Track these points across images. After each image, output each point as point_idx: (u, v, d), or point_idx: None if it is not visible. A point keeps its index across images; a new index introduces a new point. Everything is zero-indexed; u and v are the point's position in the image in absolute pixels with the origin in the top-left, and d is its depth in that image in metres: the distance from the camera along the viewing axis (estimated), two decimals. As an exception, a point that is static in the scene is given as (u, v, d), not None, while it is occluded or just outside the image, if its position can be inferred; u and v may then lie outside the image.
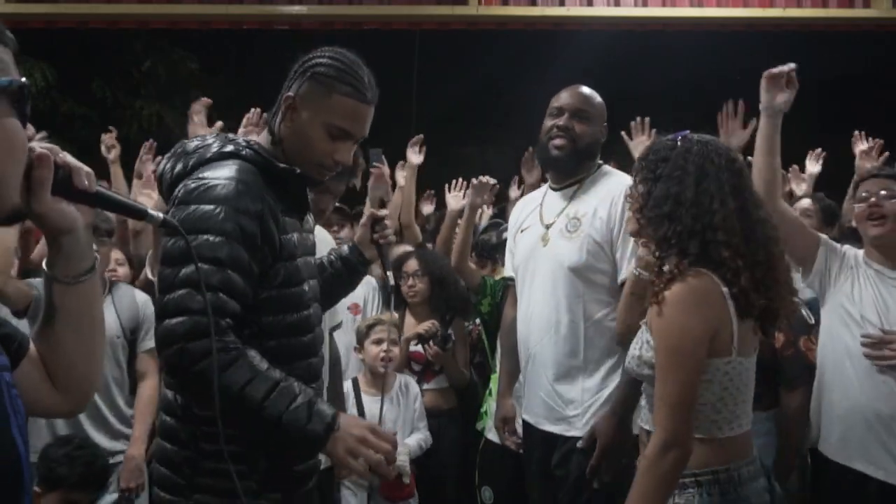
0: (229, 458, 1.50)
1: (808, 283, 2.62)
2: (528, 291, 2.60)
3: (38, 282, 3.00)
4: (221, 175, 1.62)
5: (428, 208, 5.17)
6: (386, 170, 2.80)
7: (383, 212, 2.10)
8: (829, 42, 7.72)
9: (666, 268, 1.83)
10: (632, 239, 2.31)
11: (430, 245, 4.38)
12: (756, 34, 6.57)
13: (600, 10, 5.97)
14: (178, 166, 1.71)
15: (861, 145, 4.08)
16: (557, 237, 2.53)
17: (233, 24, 6.28)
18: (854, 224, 3.15)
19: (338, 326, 2.90)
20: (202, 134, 2.88)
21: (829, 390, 2.56)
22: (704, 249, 1.79)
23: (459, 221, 3.65)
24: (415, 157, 4.32)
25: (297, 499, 1.77)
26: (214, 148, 1.70)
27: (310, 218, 1.92)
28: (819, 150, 4.44)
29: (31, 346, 1.17)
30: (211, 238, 1.55)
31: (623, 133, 3.59)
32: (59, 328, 1.15)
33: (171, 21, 6.21)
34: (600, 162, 2.65)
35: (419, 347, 3.44)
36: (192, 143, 1.76)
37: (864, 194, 2.57)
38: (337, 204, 3.28)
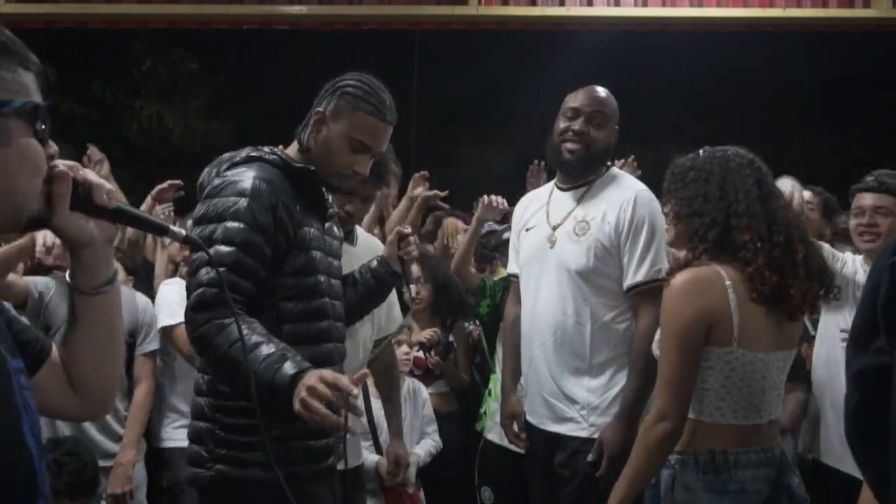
0: (245, 430, 1.77)
1: None
2: (534, 292, 2.60)
3: (42, 281, 3.00)
4: (243, 173, 1.86)
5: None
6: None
7: (408, 229, 2.27)
8: (829, 42, 7.73)
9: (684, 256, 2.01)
10: (640, 245, 2.42)
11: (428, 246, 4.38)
12: (756, 34, 6.57)
13: (600, 10, 5.97)
14: (213, 172, 1.96)
15: None
16: (565, 239, 2.53)
17: (233, 24, 6.28)
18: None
19: (397, 332, 2.93)
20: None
21: (824, 397, 2.57)
22: (726, 235, 1.93)
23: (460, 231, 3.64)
24: (417, 192, 4.26)
25: (315, 476, 1.92)
26: (243, 154, 1.95)
27: (336, 228, 2.14)
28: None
29: (54, 351, 1.25)
30: (229, 224, 1.79)
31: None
32: (79, 336, 1.22)
33: (171, 21, 6.20)
34: (608, 164, 2.65)
35: (420, 353, 3.44)
36: (227, 154, 2.00)
37: (857, 209, 2.58)
38: None
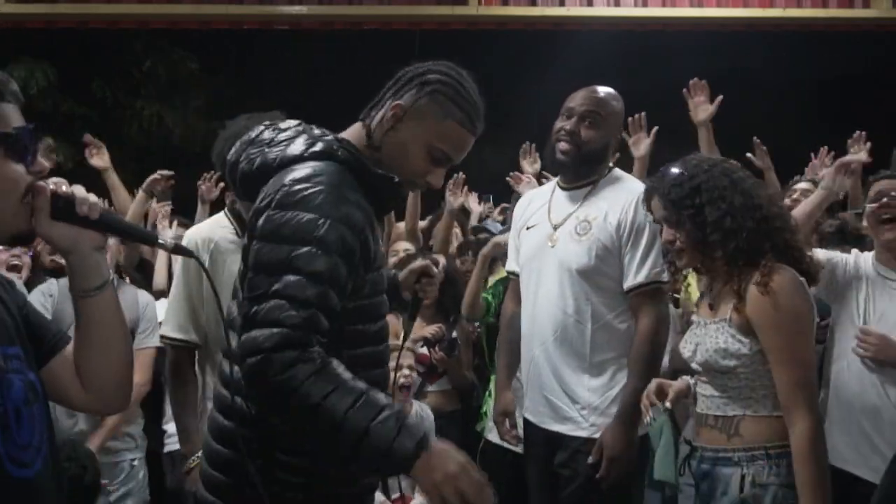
0: (302, 473, 1.52)
1: (818, 295, 2.66)
2: (534, 291, 2.60)
3: (45, 285, 3.04)
4: (319, 179, 1.49)
5: None
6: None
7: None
8: (829, 42, 7.73)
9: (751, 269, 1.99)
10: (641, 246, 2.43)
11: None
12: (756, 34, 6.58)
13: (600, 10, 5.97)
14: (259, 159, 1.59)
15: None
16: (566, 239, 2.52)
17: (233, 24, 6.28)
18: (831, 228, 3.17)
19: None
20: None
21: (833, 396, 2.56)
22: (773, 241, 1.98)
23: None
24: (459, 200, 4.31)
25: None
26: (301, 144, 1.58)
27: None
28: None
29: (70, 346, 1.35)
30: (312, 249, 1.43)
31: (684, 91, 3.56)
32: (81, 335, 1.32)
33: (171, 21, 6.21)
34: (611, 165, 2.64)
35: (425, 350, 3.43)
36: (270, 133, 1.64)
37: (875, 195, 2.56)
38: None
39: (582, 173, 2.57)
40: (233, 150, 1.67)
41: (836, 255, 2.65)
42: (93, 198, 1.27)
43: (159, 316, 3.14)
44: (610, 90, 2.60)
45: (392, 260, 3.71)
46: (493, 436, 3.24)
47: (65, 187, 1.26)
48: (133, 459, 3.08)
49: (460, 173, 4.06)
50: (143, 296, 3.20)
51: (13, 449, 1.16)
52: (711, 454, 2.03)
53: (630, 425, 2.37)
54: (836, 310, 2.61)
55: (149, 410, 3.23)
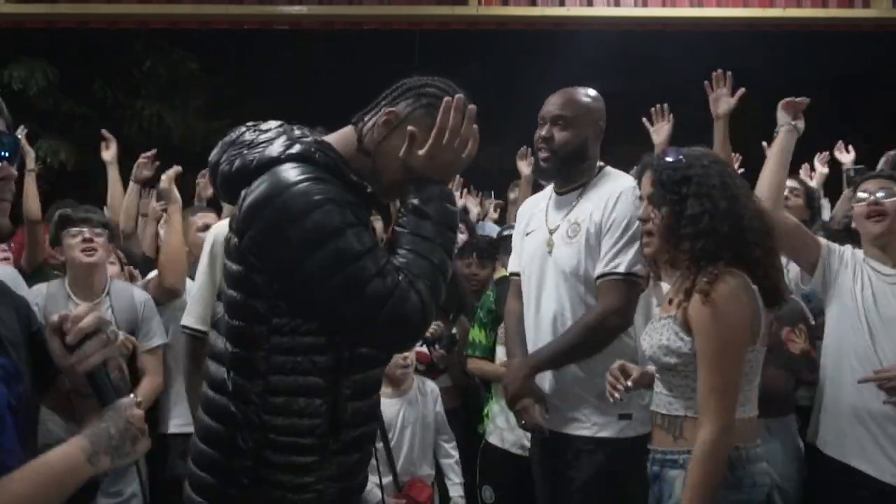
0: (293, 469, 1.55)
1: (813, 286, 2.67)
2: (535, 298, 2.62)
3: (34, 290, 3.02)
4: (297, 180, 1.49)
5: None
6: None
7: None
8: (829, 42, 7.73)
9: (709, 269, 1.98)
10: (617, 237, 2.42)
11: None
12: (756, 34, 6.58)
13: (600, 10, 5.97)
14: (238, 161, 1.60)
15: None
16: (560, 243, 2.54)
17: (233, 24, 6.28)
18: (839, 226, 3.19)
19: None
20: None
21: (829, 387, 2.58)
22: (739, 252, 1.98)
23: None
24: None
25: None
26: (279, 146, 1.57)
27: None
28: (826, 153, 4.49)
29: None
30: (334, 244, 1.47)
31: (644, 119, 3.64)
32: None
33: (171, 21, 6.21)
34: (601, 164, 2.64)
35: (424, 348, 3.43)
36: (251, 134, 1.65)
37: (862, 194, 2.59)
38: None
39: (567, 176, 2.57)
40: (214, 151, 1.68)
41: (833, 245, 2.67)
42: (96, 356, 1.25)
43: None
44: (583, 89, 2.58)
45: None
46: (493, 438, 3.25)
47: (84, 323, 1.25)
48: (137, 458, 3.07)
49: (457, 177, 4.08)
50: (139, 294, 3.17)
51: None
52: (660, 456, 2.04)
53: (530, 368, 2.49)
54: (832, 302, 2.61)
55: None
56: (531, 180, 4.57)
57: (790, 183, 3.64)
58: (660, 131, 3.69)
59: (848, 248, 2.65)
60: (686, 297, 1.98)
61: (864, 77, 11.10)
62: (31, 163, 3.80)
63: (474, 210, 5.12)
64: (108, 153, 4.32)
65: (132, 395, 1.30)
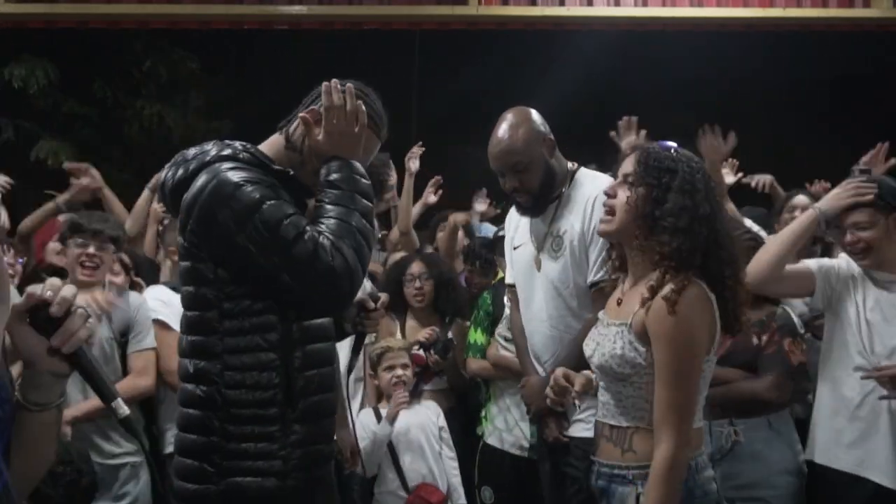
0: (259, 438, 1.73)
1: (814, 304, 2.69)
2: (528, 313, 2.66)
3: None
4: (225, 171, 1.74)
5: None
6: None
7: (376, 305, 2.14)
8: (829, 42, 7.72)
9: (671, 278, 1.89)
10: (601, 243, 2.37)
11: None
12: (756, 34, 6.57)
13: (600, 10, 5.96)
14: (179, 172, 1.82)
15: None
16: (546, 259, 2.57)
17: (233, 24, 6.27)
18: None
19: None
20: None
21: (828, 396, 2.58)
22: (706, 263, 1.89)
23: None
24: (413, 165, 4.33)
25: (320, 480, 1.89)
26: (213, 152, 1.82)
27: None
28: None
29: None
30: (258, 215, 1.69)
31: (612, 133, 3.55)
32: (14, 432, 1.20)
33: (171, 21, 6.20)
34: (572, 167, 2.61)
35: (420, 351, 3.44)
36: (191, 151, 1.87)
37: (835, 229, 2.59)
38: None
39: (549, 199, 2.57)
40: (163, 172, 1.92)
41: (825, 262, 2.68)
42: (81, 333, 1.17)
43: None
44: (508, 122, 2.51)
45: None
46: (493, 440, 3.26)
47: (66, 293, 1.15)
48: (134, 463, 3.05)
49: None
50: (135, 297, 3.15)
51: None
52: (607, 470, 1.96)
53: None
54: (834, 313, 2.62)
55: (146, 412, 3.22)
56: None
57: (801, 201, 3.62)
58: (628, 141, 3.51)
59: (843, 259, 2.65)
60: (641, 306, 1.88)
61: (864, 77, 11.10)
62: None
63: (479, 210, 5.12)
64: (90, 181, 3.93)
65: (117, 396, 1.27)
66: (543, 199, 2.54)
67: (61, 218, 3.72)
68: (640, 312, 1.89)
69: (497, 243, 3.90)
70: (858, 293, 2.54)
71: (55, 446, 1.29)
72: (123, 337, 3.03)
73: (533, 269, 2.60)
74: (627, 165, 1.99)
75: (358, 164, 1.83)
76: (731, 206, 3.66)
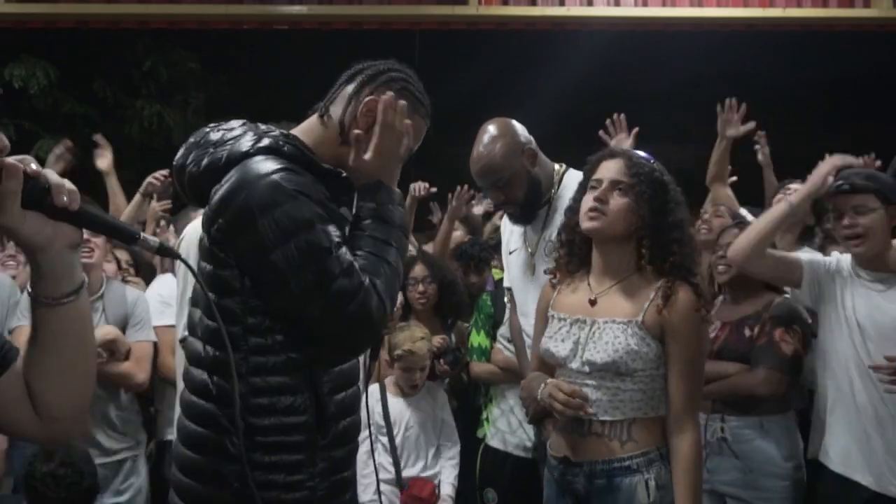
0: (288, 469, 1.54)
1: (801, 300, 2.68)
2: (525, 318, 2.66)
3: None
4: (273, 172, 1.49)
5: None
6: None
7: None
8: (829, 42, 7.72)
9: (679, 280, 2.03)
10: None
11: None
12: (756, 34, 6.57)
13: (600, 10, 5.96)
14: (207, 159, 1.60)
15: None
16: (540, 263, 2.57)
17: (233, 24, 6.27)
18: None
19: None
20: None
21: (827, 399, 2.57)
22: (684, 261, 2.03)
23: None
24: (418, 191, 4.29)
25: None
26: (248, 141, 1.58)
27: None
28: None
29: (20, 360, 1.11)
30: (306, 234, 1.48)
31: (601, 133, 3.53)
32: (40, 350, 1.09)
33: (171, 21, 6.20)
34: (559, 168, 2.60)
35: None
36: (216, 134, 1.65)
37: (835, 213, 2.58)
38: None
39: (538, 205, 2.57)
40: (179, 153, 1.68)
41: (816, 258, 2.67)
42: (69, 184, 1.04)
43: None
44: (486, 138, 2.49)
45: None
46: (495, 442, 3.26)
47: (34, 165, 1.02)
48: (135, 456, 3.06)
49: (465, 186, 4.04)
50: (132, 292, 3.14)
51: None
52: (604, 466, 1.97)
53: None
54: (824, 312, 2.61)
55: (143, 403, 3.22)
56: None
57: (797, 186, 3.63)
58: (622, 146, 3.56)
59: (835, 257, 2.64)
60: (665, 302, 1.98)
61: (864, 77, 11.10)
62: None
63: (478, 212, 5.11)
64: (104, 161, 4.09)
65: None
66: (531, 208, 2.55)
67: None
68: (650, 309, 1.98)
69: (494, 248, 3.90)
70: (847, 292, 2.53)
71: (93, 340, 1.17)
72: (123, 332, 3.01)
73: (527, 274, 2.61)
74: (612, 172, 2.05)
75: (397, 192, 1.67)
76: (727, 192, 3.68)
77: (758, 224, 2.63)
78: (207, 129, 1.68)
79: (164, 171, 3.97)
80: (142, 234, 1.13)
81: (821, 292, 2.60)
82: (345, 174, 1.62)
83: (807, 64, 9.95)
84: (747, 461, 2.68)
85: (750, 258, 2.56)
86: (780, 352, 2.69)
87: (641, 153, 2.13)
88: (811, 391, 2.80)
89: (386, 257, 1.57)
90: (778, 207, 2.61)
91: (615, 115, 3.51)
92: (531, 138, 2.53)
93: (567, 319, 2.09)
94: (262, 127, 1.66)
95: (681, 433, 1.95)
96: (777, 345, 2.70)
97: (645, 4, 5.95)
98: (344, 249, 1.52)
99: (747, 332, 2.77)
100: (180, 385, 1.71)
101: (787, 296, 2.84)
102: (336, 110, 1.66)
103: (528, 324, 2.65)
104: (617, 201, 2.02)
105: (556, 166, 2.60)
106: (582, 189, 2.12)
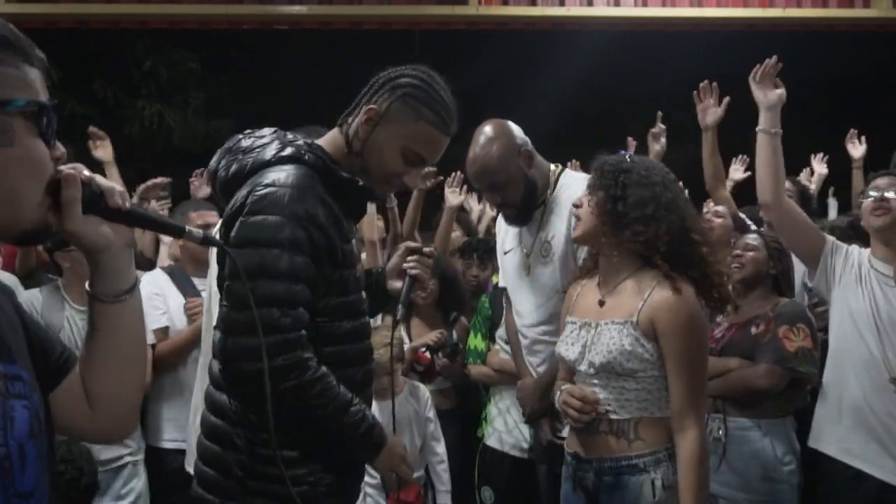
0: (285, 463, 1.56)
1: (815, 283, 2.68)
2: (520, 318, 2.68)
3: (26, 295, 2.97)
4: (279, 181, 1.58)
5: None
6: None
7: (423, 248, 2.07)
8: (829, 42, 7.72)
9: (663, 274, 1.99)
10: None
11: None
12: (756, 34, 6.57)
13: (600, 10, 5.97)
14: (235, 166, 1.69)
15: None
16: (536, 264, 2.57)
17: (233, 24, 6.28)
18: (843, 224, 3.22)
19: None
20: None
21: (832, 388, 2.58)
22: (681, 248, 1.98)
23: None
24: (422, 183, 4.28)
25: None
26: (272, 150, 1.66)
27: (353, 227, 1.87)
28: (821, 155, 4.50)
29: (77, 364, 1.17)
30: (281, 251, 1.54)
31: (694, 94, 3.49)
32: (98, 347, 1.15)
33: (171, 21, 6.20)
34: (555, 169, 2.61)
35: (427, 352, 3.41)
36: (247, 141, 1.72)
37: (873, 192, 2.60)
38: None
39: (534, 206, 2.57)
40: (214, 158, 1.76)
41: (840, 243, 2.68)
42: (119, 186, 1.11)
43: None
44: (483, 140, 2.49)
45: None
46: (493, 441, 3.26)
47: (86, 172, 1.09)
48: (135, 461, 3.05)
49: (458, 172, 4.04)
50: None
51: (15, 499, 0.97)
52: (612, 464, 1.99)
53: (542, 390, 2.55)
54: (836, 304, 2.61)
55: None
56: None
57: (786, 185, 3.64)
58: (707, 112, 3.47)
59: (855, 248, 2.65)
60: (648, 303, 1.96)
61: (864, 77, 11.10)
62: None
63: (476, 207, 5.10)
64: (103, 152, 4.00)
65: None
66: (527, 209, 2.55)
67: None
68: (644, 310, 1.96)
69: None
70: (863, 284, 2.54)
71: (145, 335, 1.27)
72: None
73: (522, 274, 2.61)
74: (590, 178, 2.12)
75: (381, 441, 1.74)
76: (725, 194, 3.69)
77: (760, 165, 2.68)
78: (241, 136, 1.75)
79: (165, 179, 3.96)
80: (188, 228, 1.22)
81: (835, 278, 2.60)
82: (362, 183, 1.69)
83: (807, 64, 9.92)
84: (744, 462, 2.69)
85: (777, 192, 2.56)
86: (783, 348, 2.70)
87: (622, 152, 2.18)
88: (814, 390, 2.80)
89: (338, 417, 1.62)
90: (761, 143, 2.73)
91: (706, 82, 3.45)
92: (527, 139, 2.53)
93: (577, 323, 2.12)
94: (289, 136, 1.72)
95: (682, 432, 1.92)
96: (781, 341, 2.71)
97: (645, 4, 5.95)
98: (304, 315, 1.58)
99: (753, 330, 2.79)
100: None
101: (793, 299, 2.87)
102: (351, 119, 1.74)
103: (522, 323, 2.66)
104: (584, 205, 2.08)
105: (552, 167, 2.60)
106: None
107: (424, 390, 3.28)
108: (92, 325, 1.15)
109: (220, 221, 3.33)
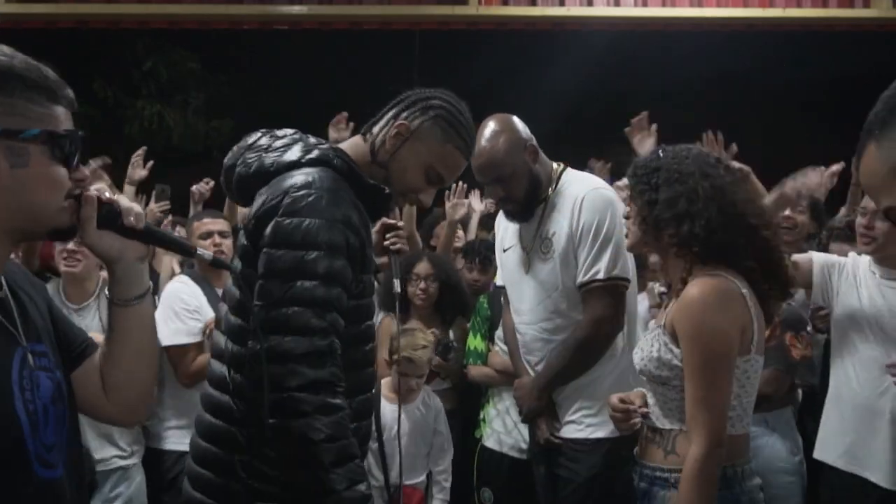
0: (272, 464, 1.54)
1: (814, 299, 2.68)
2: (519, 315, 2.67)
3: None
4: (319, 184, 1.57)
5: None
6: None
7: (394, 221, 2.10)
8: (829, 42, 7.73)
9: (695, 271, 1.89)
10: (592, 244, 2.41)
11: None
12: (756, 34, 6.58)
13: (600, 10, 5.97)
14: (256, 163, 1.68)
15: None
16: (536, 261, 2.56)
17: (233, 24, 6.28)
18: (841, 224, 3.21)
19: None
20: None
21: (836, 397, 2.57)
22: (716, 237, 1.85)
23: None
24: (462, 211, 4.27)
25: None
26: (298, 151, 1.67)
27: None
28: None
29: (97, 355, 1.34)
30: (322, 253, 1.52)
31: (626, 130, 3.55)
32: (114, 346, 1.32)
33: (171, 21, 6.20)
34: (557, 167, 2.60)
35: None
36: (266, 139, 1.73)
37: (861, 209, 2.59)
38: None
39: (536, 202, 2.56)
40: (229, 155, 1.76)
41: (832, 259, 2.66)
42: (136, 207, 1.28)
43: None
44: (488, 133, 2.48)
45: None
46: (491, 442, 3.26)
47: (108, 194, 1.26)
48: (126, 466, 3.04)
49: (461, 182, 4.04)
50: None
51: (41, 449, 1.15)
52: (649, 472, 1.94)
53: (540, 390, 2.54)
54: (837, 312, 2.62)
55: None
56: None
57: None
58: (643, 143, 3.51)
59: (850, 257, 2.64)
60: (674, 306, 1.89)
61: (864, 77, 11.09)
62: None
63: (478, 208, 5.11)
64: (141, 174, 4.11)
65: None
66: (529, 205, 2.55)
67: None
68: (670, 313, 1.89)
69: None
70: (863, 290, 2.54)
71: (156, 336, 1.41)
72: None
73: (522, 272, 2.60)
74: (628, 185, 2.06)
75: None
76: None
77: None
78: (259, 134, 1.76)
79: (140, 151, 3.99)
80: (199, 250, 1.34)
81: (832, 292, 2.60)
82: (388, 190, 1.71)
83: (807, 64, 9.95)
84: (756, 458, 2.69)
85: None
86: (788, 355, 2.72)
87: (653, 151, 2.08)
88: (810, 389, 2.82)
89: (340, 462, 1.51)
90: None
91: (643, 114, 3.50)
92: (532, 135, 2.54)
93: (650, 328, 2.10)
94: (312, 139, 1.74)
95: (689, 445, 1.81)
96: (788, 349, 2.74)
97: (645, 4, 5.95)
98: (339, 319, 1.54)
99: None
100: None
101: (792, 302, 2.87)
102: (376, 130, 1.76)
103: (521, 321, 2.65)
104: (632, 211, 2.02)
105: (555, 165, 2.60)
106: None
107: (438, 402, 3.25)
108: (109, 325, 1.33)
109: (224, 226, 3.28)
